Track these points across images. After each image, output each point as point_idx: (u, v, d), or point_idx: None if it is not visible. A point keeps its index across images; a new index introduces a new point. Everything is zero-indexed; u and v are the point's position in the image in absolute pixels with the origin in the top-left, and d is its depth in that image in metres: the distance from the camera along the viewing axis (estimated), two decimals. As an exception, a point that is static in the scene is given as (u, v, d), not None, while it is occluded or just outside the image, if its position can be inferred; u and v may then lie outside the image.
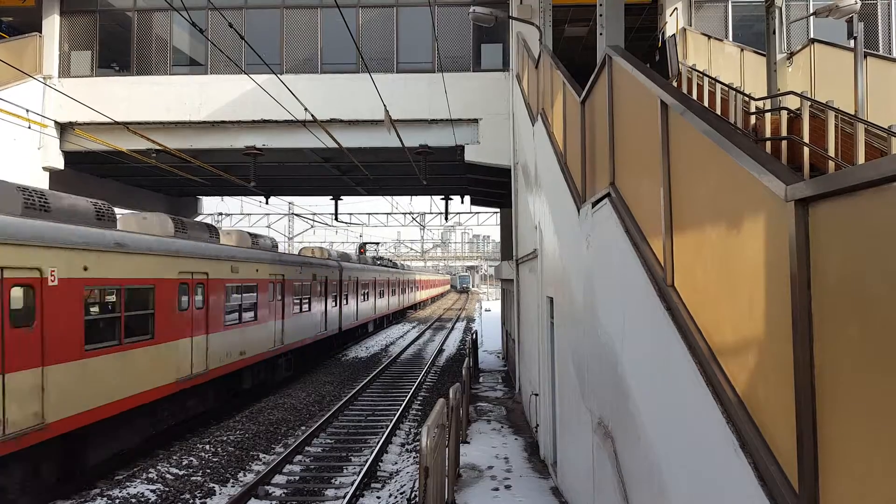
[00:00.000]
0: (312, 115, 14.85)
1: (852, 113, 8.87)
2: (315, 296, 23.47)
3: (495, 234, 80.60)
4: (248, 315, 17.10)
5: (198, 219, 31.27)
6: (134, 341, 11.74)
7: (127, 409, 11.44)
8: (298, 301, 21.58)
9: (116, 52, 19.19)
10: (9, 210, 9.45)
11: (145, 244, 12.30)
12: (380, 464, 12.43)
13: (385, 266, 43.61)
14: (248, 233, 19.12)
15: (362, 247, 47.54)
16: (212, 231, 16.22)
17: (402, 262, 67.21)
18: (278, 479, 11.53)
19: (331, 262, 27.02)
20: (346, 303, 29.01)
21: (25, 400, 8.94)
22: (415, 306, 62.68)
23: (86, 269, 10.37)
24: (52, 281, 9.56)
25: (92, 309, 10.80)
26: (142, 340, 12.01)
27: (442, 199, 30.88)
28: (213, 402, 15.58)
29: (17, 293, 8.93)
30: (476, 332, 27.90)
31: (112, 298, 11.34)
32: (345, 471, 12.05)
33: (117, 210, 12.85)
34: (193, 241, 14.56)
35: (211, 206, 56.09)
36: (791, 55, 14.01)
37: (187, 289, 13.79)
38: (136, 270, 11.83)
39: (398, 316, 50.47)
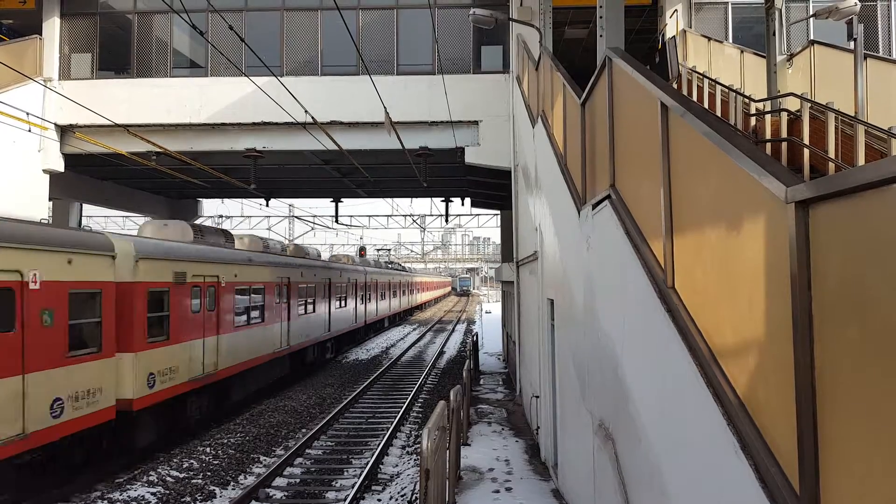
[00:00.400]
0: (313, 118, 14.86)
1: (852, 114, 8.88)
2: (349, 296, 29.64)
3: (495, 235, 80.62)
4: (310, 308, 23.13)
5: (197, 221, 31.72)
6: (254, 323, 17.89)
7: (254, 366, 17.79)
8: (339, 299, 27.59)
9: (117, 54, 19.21)
10: (185, 239, 15.24)
11: (264, 259, 18.91)
12: (380, 466, 12.42)
13: (395, 270, 49.07)
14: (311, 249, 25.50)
15: (362, 249, 47.66)
16: (304, 252, 24.92)
17: (404, 265, 68.26)
18: (279, 481, 11.52)
19: (359, 268, 32.85)
20: (370, 301, 34.95)
21: (213, 354, 15.09)
22: (421, 305, 67.99)
23: (236, 275, 16.43)
24: (223, 283, 15.68)
25: (238, 301, 16.70)
26: (257, 323, 18.13)
27: (442, 201, 30.89)
28: (289, 371, 21.48)
29: (212, 291, 15.22)
30: (476, 335, 27.89)
31: (245, 296, 17.23)
32: (345, 473, 12.04)
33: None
34: (283, 257, 21.16)
35: (211, 209, 56.24)
36: (791, 57, 14.02)
37: (284, 289, 20.21)
38: (258, 276, 18.16)
39: (406, 314, 55.14)
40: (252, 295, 17.59)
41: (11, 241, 9.14)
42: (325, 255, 33.90)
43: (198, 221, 33.12)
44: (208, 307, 14.93)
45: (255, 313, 17.82)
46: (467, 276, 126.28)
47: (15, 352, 9.07)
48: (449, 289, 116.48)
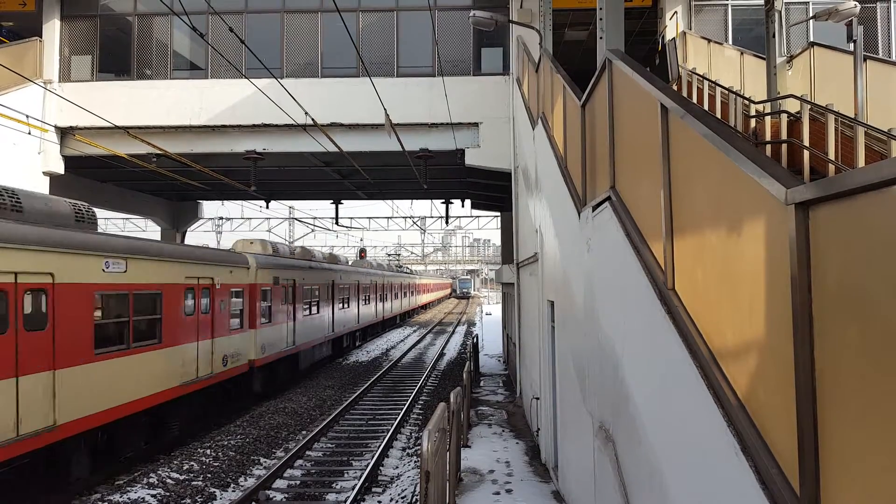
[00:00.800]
0: (313, 119, 14.87)
1: (852, 116, 8.88)
2: (371, 295, 36.05)
3: (496, 237, 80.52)
4: (346, 304, 29.39)
5: (197, 223, 32.20)
6: (314, 314, 24.00)
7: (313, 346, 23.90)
8: (364, 298, 34.11)
9: (117, 56, 19.23)
10: (265, 252, 20.35)
11: (317, 266, 24.81)
12: (381, 468, 12.42)
13: (405, 273, 56.17)
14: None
15: (362, 251, 47.66)
16: (337, 259, 31.13)
17: (411, 269, 69.75)
18: (279, 483, 11.52)
19: (378, 272, 39.31)
20: (387, 300, 41.87)
21: (292, 334, 20.98)
22: (423, 306, 72.84)
23: (304, 279, 22.20)
24: (297, 285, 21.46)
25: (305, 297, 22.45)
26: (316, 314, 24.12)
27: (442, 202, 30.87)
28: (331, 352, 27.36)
29: (291, 290, 20.92)
30: (477, 336, 27.88)
31: (308, 294, 22.91)
32: (346, 475, 12.04)
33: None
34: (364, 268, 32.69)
35: (211, 211, 56.20)
36: (791, 58, 14.03)
37: (329, 289, 25.93)
38: (315, 279, 23.84)
39: (411, 313, 59.92)
40: (312, 293, 23.45)
41: (208, 261, 15.44)
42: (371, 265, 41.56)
43: (197, 224, 33.24)
44: (290, 301, 20.89)
45: (314, 307, 23.72)
46: (468, 277, 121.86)
47: (210, 325, 15.32)
48: (449, 291, 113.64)
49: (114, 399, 11.37)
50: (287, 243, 29.71)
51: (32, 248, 9.51)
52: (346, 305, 28.99)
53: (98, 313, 11.15)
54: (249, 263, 17.69)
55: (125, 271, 11.93)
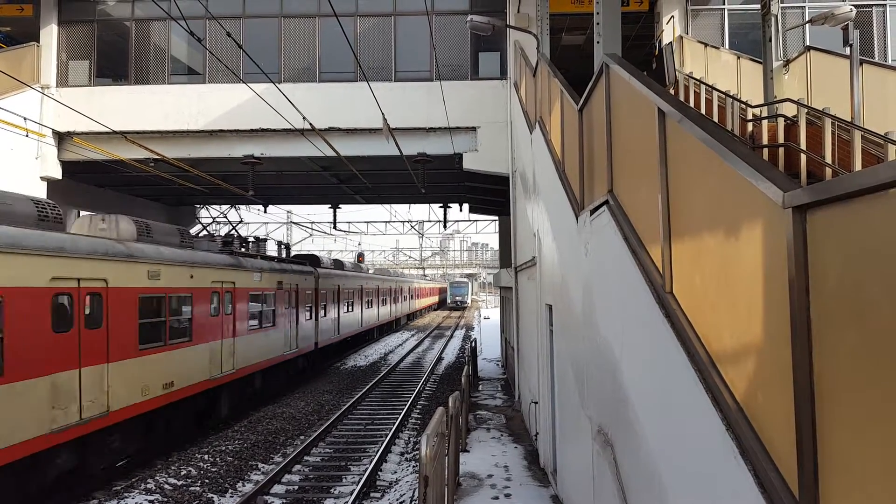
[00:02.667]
0: (311, 124, 14.87)
1: (849, 120, 8.90)
2: (385, 297, 42.88)
3: (494, 241, 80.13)
4: (370, 305, 36.76)
5: (195, 228, 32.07)
6: (353, 311, 31.78)
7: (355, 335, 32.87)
8: (382, 301, 40.89)
9: (114, 61, 19.23)
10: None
11: (351, 274, 32.36)
12: (379, 473, 12.39)
13: (406, 278, 60.30)
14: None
15: (360, 255, 47.70)
16: (360, 268, 38.65)
17: (402, 270, 69.26)
18: (277, 488, 11.49)
19: (397, 277, 48.44)
20: (395, 302, 47.71)
21: (338, 326, 28.29)
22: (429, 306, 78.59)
23: (345, 285, 29.57)
24: (341, 289, 28.77)
25: (346, 298, 29.54)
26: (353, 311, 31.94)
27: (440, 207, 30.92)
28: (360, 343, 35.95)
29: (336, 292, 27.91)
30: (475, 340, 27.85)
31: (349, 296, 30.48)
32: (344, 480, 12.01)
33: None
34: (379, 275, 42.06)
35: (208, 215, 56.01)
36: (787, 62, 14.07)
37: (360, 292, 33.43)
38: (351, 284, 31.03)
39: (415, 315, 63.86)
40: (349, 295, 30.42)
41: (297, 272, 22.18)
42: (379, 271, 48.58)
43: (196, 228, 33.12)
44: (336, 301, 27.46)
45: (350, 306, 30.65)
46: (464, 280, 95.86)
47: (289, 316, 21.08)
48: (436, 299, 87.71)
49: (249, 359, 17.57)
50: (327, 254, 37.08)
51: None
52: (370, 305, 36.45)
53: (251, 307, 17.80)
54: (316, 273, 24.41)
55: (261, 280, 18.65)
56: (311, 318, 23.76)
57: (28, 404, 9.28)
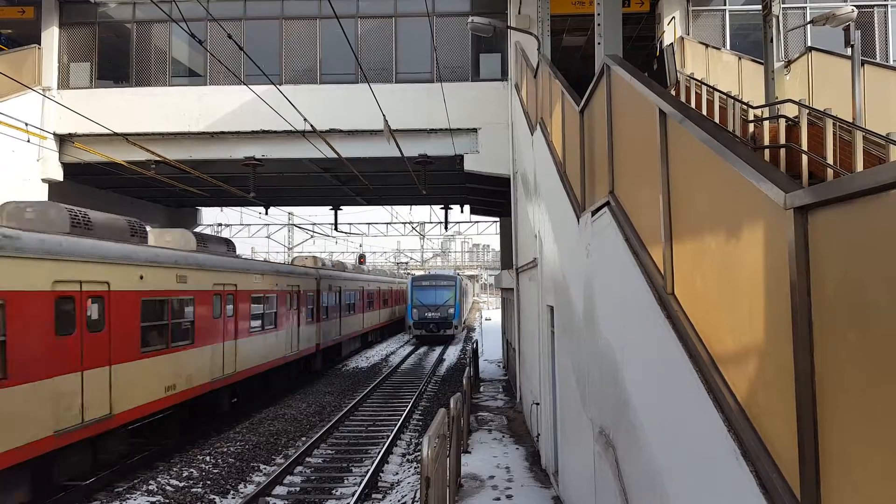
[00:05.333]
0: (312, 126, 14.87)
1: (850, 120, 8.89)
2: (390, 298, 44.12)
3: (495, 243, 79.79)
4: (376, 306, 38.13)
5: (197, 229, 32.08)
6: (356, 313, 32.22)
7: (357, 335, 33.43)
8: (386, 302, 41.68)
9: (115, 63, 19.25)
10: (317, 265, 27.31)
11: (356, 276, 33.54)
12: (381, 474, 12.39)
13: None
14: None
15: (362, 257, 47.73)
16: (366, 271, 41.40)
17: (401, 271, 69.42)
18: (279, 490, 11.48)
19: (395, 279, 48.61)
20: (400, 304, 48.70)
21: (340, 327, 28.40)
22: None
23: (347, 286, 29.64)
24: (342, 290, 28.90)
25: (348, 299, 29.84)
26: (356, 313, 32.13)
27: (441, 208, 30.92)
28: (360, 345, 35.28)
29: (339, 293, 28.22)
30: (476, 342, 27.85)
31: (351, 297, 31.01)
32: (346, 481, 12.01)
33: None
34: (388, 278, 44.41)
35: (210, 217, 56.20)
36: (788, 63, 14.06)
37: (364, 293, 34.43)
38: (353, 286, 31.49)
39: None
40: (351, 296, 30.49)
41: (299, 275, 22.46)
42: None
43: (198, 229, 33.18)
44: (337, 303, 27.64)
45: (352, 309, 30.77)
46: (448, 274, 57.82)
47: (297, 318, 21.71)
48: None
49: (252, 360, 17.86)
50: (329, 257, 36.17)
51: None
52: (375, 307, 36.94)
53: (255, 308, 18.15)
54: (317, 275, 24.59)
55: (262, 281, 18.83)
56: (312, 320, 23.82)
57: (31, 407, 9.35)
